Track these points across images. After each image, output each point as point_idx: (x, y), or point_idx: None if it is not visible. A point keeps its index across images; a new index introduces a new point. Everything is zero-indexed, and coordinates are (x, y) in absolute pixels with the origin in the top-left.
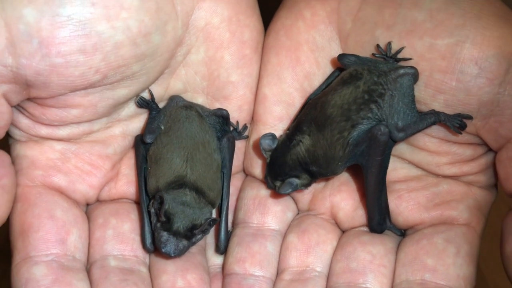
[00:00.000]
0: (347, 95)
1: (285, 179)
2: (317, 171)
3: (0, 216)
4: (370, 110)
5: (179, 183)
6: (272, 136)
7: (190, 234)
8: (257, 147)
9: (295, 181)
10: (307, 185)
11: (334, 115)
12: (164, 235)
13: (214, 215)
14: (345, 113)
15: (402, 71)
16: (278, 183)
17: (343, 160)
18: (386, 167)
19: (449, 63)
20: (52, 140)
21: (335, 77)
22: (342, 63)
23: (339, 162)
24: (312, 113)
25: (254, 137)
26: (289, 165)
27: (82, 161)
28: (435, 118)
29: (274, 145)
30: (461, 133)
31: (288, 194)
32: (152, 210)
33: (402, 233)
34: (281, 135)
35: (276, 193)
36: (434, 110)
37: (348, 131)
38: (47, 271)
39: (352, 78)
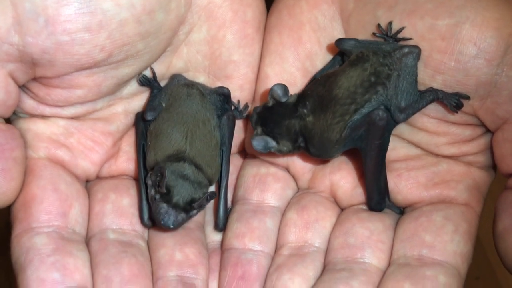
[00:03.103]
0: (354, 77)
1: (267, 133)
2: (311, 150)
3: (14, 188)
4: (375, 93)
5: (178, 157)
6: (285, 88)
7: (189, 208)
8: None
9: (272, 143)
10: (282, 152)
11: (340, 96)
12: (164, 207)
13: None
14: (351, 95)
15: (406, 49)
16: (259, 129)
17: (340, 143)
18: (385, 149)
19: (449, 44)
20: (56, 117)
21: (338, 63)
22: (342, 48)
23: (336, 145)
24: (319, 90)
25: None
26: (280, 128)
27: (85, 137)
28: (434, 95)
29: (283, 99)
30: (457, 112)
31: (259, 151)
32: (149, 183)
33: (401, 211)
34: (291, 95)
35: (271, 166)
36: (432, 87)
37: (349, 115)
38: (48, 241)
39: (359, 61)
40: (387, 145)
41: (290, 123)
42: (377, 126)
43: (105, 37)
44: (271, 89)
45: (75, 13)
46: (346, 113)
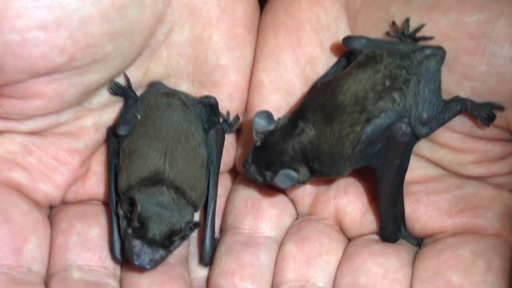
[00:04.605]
0: (364, 80)
1: (279, 170)
2: (318, 168)
3: None
4: (391, 100)
5: (155, 180)
6: (268, 114)
7: (168, 242)
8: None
9: (292, 173)
10: (303, 182)
11: (346, 104)
12: (137, 244)
13: (197, 219)
14: (360, 102)
15: (429, 51)
16: (268, 174)
17: (352, 160)
18: (405, 171)
19: (479, 44)
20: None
21: (343, 67)
22: (350, 47)
23: (346, 162)
24: (320, 99)
25: (247, 129)
26: (289, 155)
27: (47, 156)
28: (462, 106)
29: (270, 127)
30: (488, 125)
31: (287, 188)
32: (121, 213)
33: (419, 242)
34: (279, 118)
35: (266, 189)
36: (458, 96)
37: (361, 126)
38: None
39: (369, 61)
40: (407, 165)
41: (296, 142)
42: (399, 143)
43: (65, 36)
44: (253, 122)
45: (26, 6)
46: (356, 123)
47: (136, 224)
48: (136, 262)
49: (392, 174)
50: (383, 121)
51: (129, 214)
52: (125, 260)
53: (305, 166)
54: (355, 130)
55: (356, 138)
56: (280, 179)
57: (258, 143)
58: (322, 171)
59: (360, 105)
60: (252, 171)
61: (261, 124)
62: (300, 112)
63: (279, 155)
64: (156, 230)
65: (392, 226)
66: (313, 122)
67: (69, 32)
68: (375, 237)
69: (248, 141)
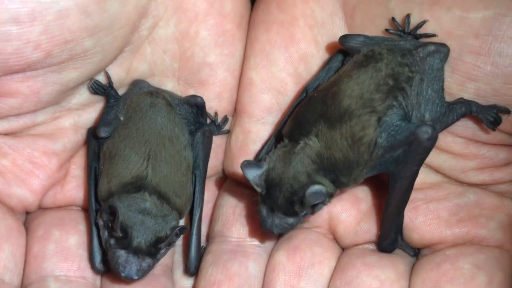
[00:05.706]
0: (367, 81)
1: (304, 194)
2: (335, 179)
3: None
4: (395, 99)
5: (137, 186)
6: (250, 162)
7: (154, 250)
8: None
9: (318, 187)
10: (332, 195)
11: (354, 107)
12: (122, 254)
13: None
14: (368, 103)
15: (432, 48)
16: (297, 207)
17: (369, 165)
18: (416, 177)
19: (484, 43)
20: None
21: (338, 62)
22: (347, 46)
23: (364, 169)
24: (320, 108)
25: (236, 132)
26: (303, 173)
27: (22, 158)
28: (466, 108)
29: (264, 168)
30: (494, 130)
31: (320, 210)
32: (101, 223)
33: (416, 252)
34: (266, 155)
35: (255, 195)
36: (463, 98)
37: (373, 128)
38: None
39: (369, 60)
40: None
41: (302, 159)
42: (423, 148)
43: (40, 31)
44: (245, 175)
45: None
46: (368, 125)
47: (119, 233)
48: (122, 274)
49: (408, 180)
50: (393, 119)
51: (110, 224)
52: (105, 270)
53: (324, 178)
54: (368, 133)
55: (372, 142)
56: (312, 198)
57: (264, 191)
58: (339, 181)
59: (369, 106)
60: (278, 222)
61: (253, 172)
62: (297, 128)
63: (293, 181)
64: (140, 238)
65: (393, 236)
66: (315, 133)
67: (44, 27)
68: (371, 246)
69: (238, 145)
